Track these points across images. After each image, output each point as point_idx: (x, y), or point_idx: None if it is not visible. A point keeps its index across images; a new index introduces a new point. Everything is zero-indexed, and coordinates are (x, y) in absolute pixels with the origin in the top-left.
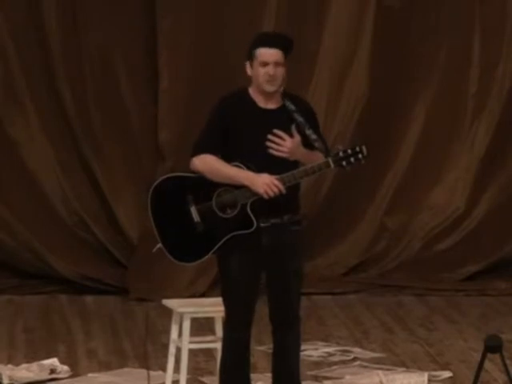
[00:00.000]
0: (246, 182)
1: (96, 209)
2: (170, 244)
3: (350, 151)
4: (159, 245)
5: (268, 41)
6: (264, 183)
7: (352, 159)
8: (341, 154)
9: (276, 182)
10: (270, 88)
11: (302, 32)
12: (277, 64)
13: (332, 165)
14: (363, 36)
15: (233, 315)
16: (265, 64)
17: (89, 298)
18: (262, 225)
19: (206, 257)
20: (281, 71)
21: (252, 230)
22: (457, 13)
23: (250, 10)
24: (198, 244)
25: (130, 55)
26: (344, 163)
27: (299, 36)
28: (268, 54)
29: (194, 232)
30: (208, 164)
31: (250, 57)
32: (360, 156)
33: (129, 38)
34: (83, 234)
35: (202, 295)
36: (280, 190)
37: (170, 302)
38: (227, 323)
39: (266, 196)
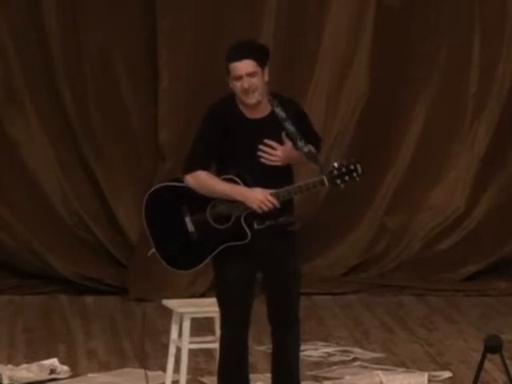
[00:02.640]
0: (240, 198)
1: (96, 209)
2: (164, 251)
3: (344, 169)
4: (153, 249)
5: (235, 54)
6: (257, 199)
7: (346, 177)
8: (335, 172)
9: (270, 198)
10: (250, 101)
11: (301, 32)
12: (250, 75)
13: (326, 183)
14: (363, 36)
15: (229, 315)
16: (238, 78)
17: (89, 298)
18: (257, 227)
19: (200, 266)
20: (257, 81)
21: (245, 241)
22: (457, 13)
23: (250, 10)
24: (193, 252)
25: (130, 55)
26: (338, 181)
27: (299, 36)
28: (238, 67)
29: (189, 241)
30: (201, 182)
31: (227, 72)
32: (354, 174)
33: (129, 37)
34: (83, 233)
35: (202, 295)
36: (274, 205)
37: (169, 303)
38: (223, 323)
39: (259, 211)
